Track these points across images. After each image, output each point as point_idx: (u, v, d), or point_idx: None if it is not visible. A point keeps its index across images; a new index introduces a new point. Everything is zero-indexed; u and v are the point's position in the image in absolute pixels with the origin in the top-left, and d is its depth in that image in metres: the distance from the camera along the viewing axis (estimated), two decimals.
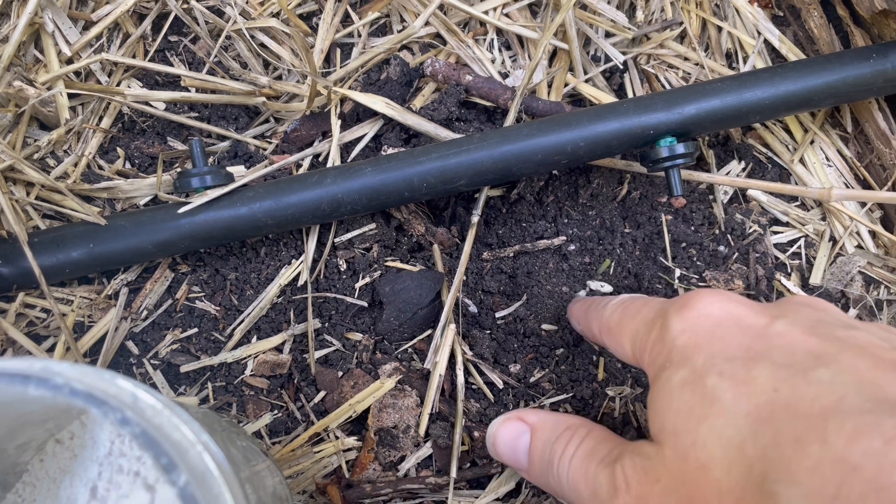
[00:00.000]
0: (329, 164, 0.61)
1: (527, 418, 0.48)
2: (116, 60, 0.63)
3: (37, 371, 0.31)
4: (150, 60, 0.65)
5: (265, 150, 0.64)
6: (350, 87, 0.63)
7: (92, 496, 0.37)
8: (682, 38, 0.70)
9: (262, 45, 0.66)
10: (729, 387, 0.34)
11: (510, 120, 0.61)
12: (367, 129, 0.63)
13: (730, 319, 0.39)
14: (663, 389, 0.38)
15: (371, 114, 0.63)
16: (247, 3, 0.66)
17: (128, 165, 0.62)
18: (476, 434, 0.56)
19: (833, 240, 0.64)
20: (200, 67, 0.66)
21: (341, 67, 0.65)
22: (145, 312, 0.58)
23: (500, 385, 0.58)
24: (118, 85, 0.64)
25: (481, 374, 0.58)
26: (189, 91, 0.64)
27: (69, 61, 0.63)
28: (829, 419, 0.30)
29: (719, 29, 0.70)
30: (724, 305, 0.39)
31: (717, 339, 0.38)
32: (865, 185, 0.65)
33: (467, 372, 0.58)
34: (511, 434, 0.48)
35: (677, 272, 0.62)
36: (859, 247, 0.63)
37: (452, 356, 0.57)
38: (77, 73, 0.63)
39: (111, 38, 0.65)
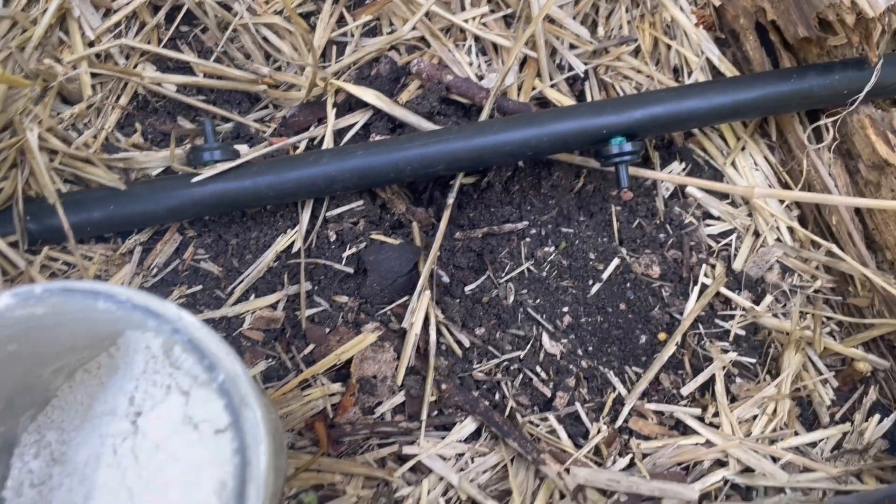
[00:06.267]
0: (324, 147, 0.69)
1: None
2: (134, 45, 0.70)
3: (104, 289, 0.39)
4: (163, 47, 0.72)
5: (264, 132, 0.72)
6: (345, 81, 0.72)
7: (130, 404, 0.44)
8: (636, 52, 0.80)
9: (265, 39, 0.74)
10: None
11: (484, 116, 0.70)
12: (358, 118, 0.71)
13: None
14: None
15: (362, 104, 0.71)
16: (253, 0, 0.74)
17: (141, 140, 0.69)
18: (444, 386, 0.64)
19: (757, 233, 0.74)
20: (208, 56, 0.74)
21: (336, 62, 0.73)
22: (155, 270, 0.65)
23: (468, 344, 0.66)
24: (135, 67, 0.71)
25: (451, 334, 0.67)
26: (198, 76, 0.71)
27: (91, 44, 0.70)
28: None
29: (668, 47, 0.79)
30: None
31: None
32: (786, 187, 0.75)
33: (439, 332, 0.66)
34: None
35: (623, 251, 0.71)
36: (778, 240, 0.74)
37: (426, 319, 0.66)
38: (97, 55, 0.70)
39: (129, 25, 0.72)
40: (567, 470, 0.61)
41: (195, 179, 0.62)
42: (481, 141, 0.64)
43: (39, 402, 0.52)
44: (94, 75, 0.69)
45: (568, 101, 0.76)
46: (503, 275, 0.71)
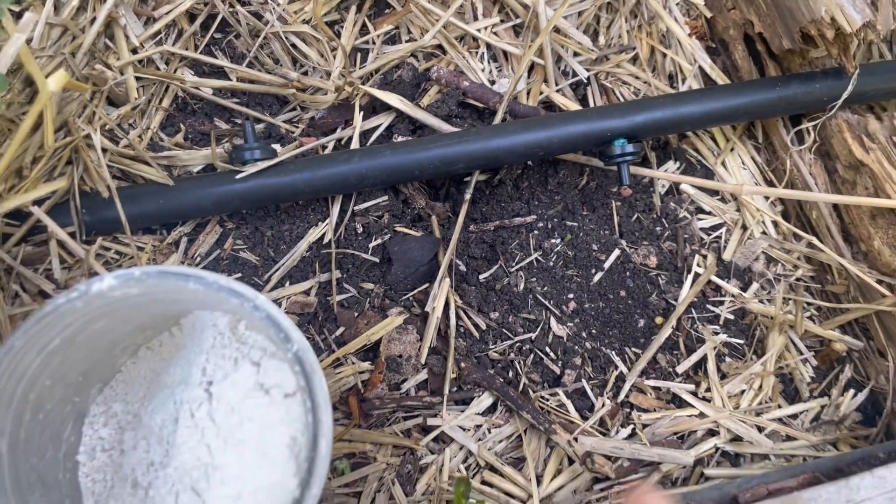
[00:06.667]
0: (352, 147, 0.75)
1: None
2: (174, 51, 0.76)
3: (194, 273, 0.45)
4: (200, 53, 0.78)
5: (293, 132, 0.78)
6: (370, 86, 0.78)
7: (202, 374, 0.50)
8: (634, 60, 0.87)
9: (293, 46, 0.80)
10: None
11: (498, 119, 0.76)
12: (382, 120, 0.77)
13: None
14: None
15: (385, 107, 0.77)
16: (283, 10, 0.79)
17: (181, 139, 0.75)
18: (463, 365, 0.71)
19: (744, 227, 0.81)
20: (239, 61, 0.79)
21: (360, 69, 0.80)
22: (199, 258, 0.71)
23: (484, 327, 0.73)
24: (175, 72, 0.77)
25: (469, 318, 0.73)
26: (231, 80, 0.77)
27: (134, 51, 0.76)
28: None
29: (664, 55, 0.86)
30: None
31: None
32: (771, 185, 0.82)
33: (458, 316, 0.73)
34: None
35: (623, 243, 0.78)
36: (764, 233, 0.81)
37: (447, 304, 0.72)
38: (140, 61, 0.76)
39: (168, 33, 0.78)
40: (575, 439, 0.68)
41: (239, 176, 0.67)
42: (498, 142, 0.71)
43: (106, 376, 0.58)
44: (136, 79, 0.75)
45: (572, 104, 0.82)
46: (514, 264, 0.77)
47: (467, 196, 0.75)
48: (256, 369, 0.49)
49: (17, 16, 0.72)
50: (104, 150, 0.71)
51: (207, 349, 0.52)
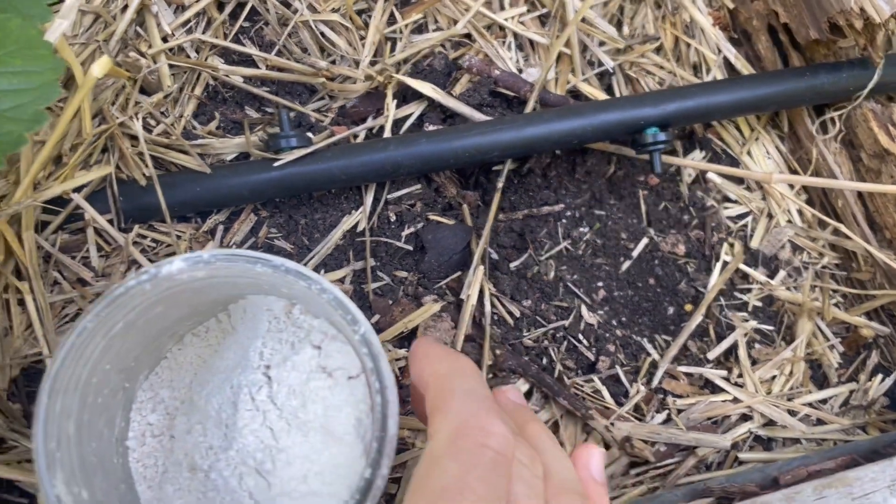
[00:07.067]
0: (385, 136, 0.75)
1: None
2: (205, 40, 0.76)
3: (261, 256, 0.45)
4: (230, 41, 0.78)
5: (322, 121, 0.78)
6: (402, 75, 0.78)
7: (260, 358, 0.51)
8: (658, 50, 0.87)
9: (322, 34, 0.80)
10: None
11: (529, 108, 0.77)
12: (414, 109, 0.77)
13: None
14: None
15: (416, 96, 0.78)
16: None
17: (213, 127, 0.75)
18: (498, 352, 0.71)
19: (770, 215, 0.82)
20: (268, 49, 0.79)
21: (390, 57, 0.80)
22: (234, 247, 0.71)
23: (518, 315, 0.73)
24: (205, 61, 0.76)
25: (503, 305, 0.74)
26: (261, 68, 0.77)
27: (164, 39, 0.75)
28: None
29: (688, 45, 0.87)
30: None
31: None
32: (795, 174, 0.83)
33: (492, 304, 0.73)
34: None
35: (651, 231, 0.79)
36: (790, 221, 0.82)
37: (481, 292, 0.73)
38: (170, 49, 0.75)
39: (198, 21, 0.78)
40: (612, 424, 0.68)
41: (278, 163, 0.67)
42: (533, 130, 0.71)
43: (153, 362, 0.58)
44: (168, 66, 0.74)
45: (599, 94, 0.83)
46: (543, 252, 0.78)
47: (500, 184, 0.76)
48: (318, 352, 0.49)
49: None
50: (136, 138, 0.71)
51: (263, 333, 0.52)
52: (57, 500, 0.42)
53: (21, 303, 0.62)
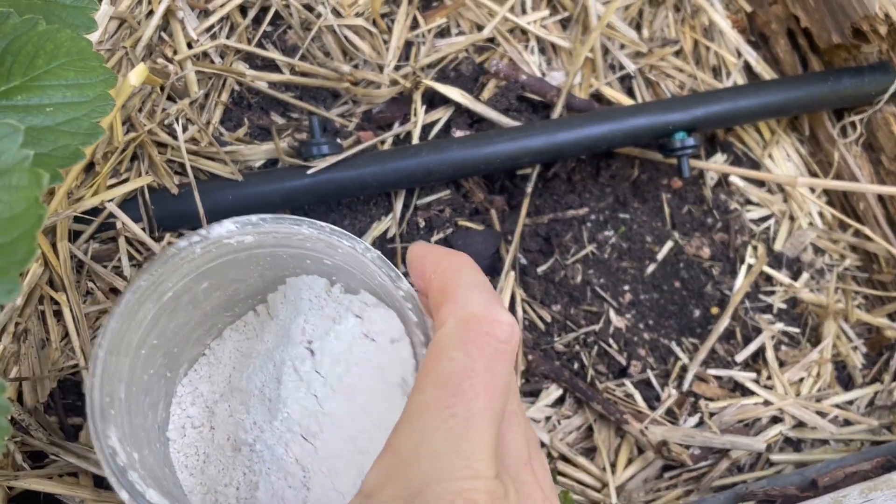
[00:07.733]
0: (413, 141, 0.75)
1: None
2: (230, 45, 0.75)
3: (306, 220, 0.46)
4: (254, 46, 0.77)
5: (346, 126, 0.78)
6: (430, 79, 0.78)
7: (302, 334, 0.50)
8: (678, 53, 0.88)
9: (346, 39, 0.80)
10: None
11: (556, 113, 0.77)
12: (442, 114, 0.77)
13: None
14: None
15: (443, 101, 0.77)
16: (337, 2, 0.79)
17: (242, 134, 0.74)
18: (530, 357, 0.71)
19: (792, 218, 0.83)
20: (291, 54, 0.79)
21: (416, 62, 0.79)
22: None
23: (549, 319, 0.74)
24: (230, 66, 0.76)
25: (533, 310, 0.74)
26: (285, 73, 0.77)
27: (189, 45, 0.74)
28: None
29: (708, 48, 0.87)
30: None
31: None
32: (815, 177, 0.84)
33: (523, 309, 0.73)
34: None
35: (676, 234, 0.79)
36: (811, 224, 0.83)
37: (512, 296, 0.73)
38: (195, 55, 0.74)
39: (222, 26, 0.77)
40: (646, 428, 0.69)
41: (311, 171, 0.67)
42: (563, 136, 0.71)
43: (193, 356, 0.58)
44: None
45: (621, 97, 0.83)
46: (569, 257, 0.78)
47: (528, 189, 0.76)
48: (360, 321, 0.49)
49: None
50: (167, 146, 0.70)
51: (305, 311, 0.52)
52: (112, 452, 0.41)
53: (56, 314, 0.62)
